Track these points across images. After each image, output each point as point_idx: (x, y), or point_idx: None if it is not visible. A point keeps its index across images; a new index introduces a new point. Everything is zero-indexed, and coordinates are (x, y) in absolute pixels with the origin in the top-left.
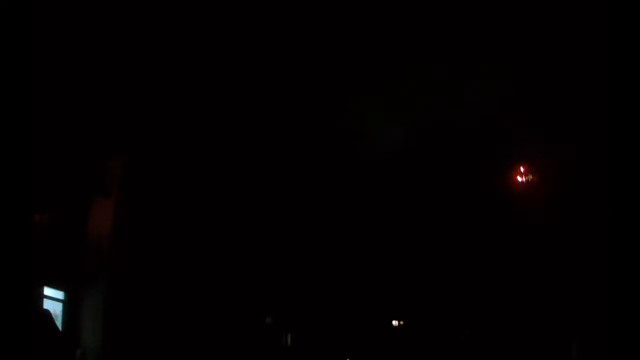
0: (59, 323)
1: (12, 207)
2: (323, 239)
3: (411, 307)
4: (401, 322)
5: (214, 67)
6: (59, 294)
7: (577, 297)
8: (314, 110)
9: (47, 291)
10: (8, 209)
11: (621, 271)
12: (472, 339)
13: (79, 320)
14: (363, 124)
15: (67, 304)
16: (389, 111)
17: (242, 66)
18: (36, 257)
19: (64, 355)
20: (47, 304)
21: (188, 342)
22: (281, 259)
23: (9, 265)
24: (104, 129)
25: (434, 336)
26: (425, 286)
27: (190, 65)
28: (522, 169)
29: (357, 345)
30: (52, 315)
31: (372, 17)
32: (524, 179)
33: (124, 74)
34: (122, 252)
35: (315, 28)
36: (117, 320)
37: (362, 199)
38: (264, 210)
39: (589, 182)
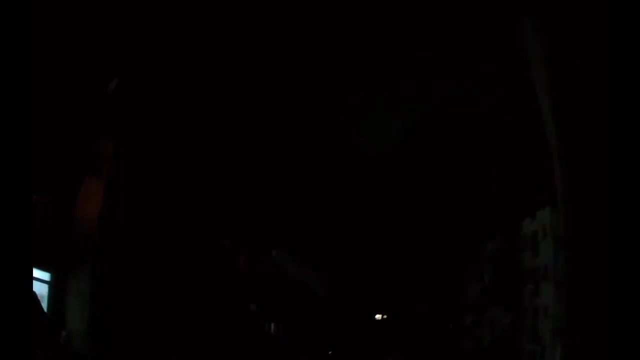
0: (44, 305)
1: (11, 191)
2: (311, 232)
3: (395, 301)
4: (384, 316)
5: (213, 62)
6: (45, 276)
7: (574, 295)
8: (307, 101)
9: (34, 272)
10: (6, 193)
11: (621, 271)
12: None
13: (64, 303)
14: (357, 121)
15: (53, 285)
16: (385, 108)
17: (236, 56)
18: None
19: (49, 337)
20: (34, 285)
21: (174, 326)
22: (269, 248)
23: (8, 253)
24: (94, 111)
25: (418, 328)
26: (412, 280)
27: (184, 51)
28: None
29: (340, 338)
30: (38, 296)
31: (369, 15)
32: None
33: (115, 57)
34: (110, 235)
35: (311, 25)
36: (103, 303)
37: (350, 193)
38: (252, 197)
39: (588, 180)
